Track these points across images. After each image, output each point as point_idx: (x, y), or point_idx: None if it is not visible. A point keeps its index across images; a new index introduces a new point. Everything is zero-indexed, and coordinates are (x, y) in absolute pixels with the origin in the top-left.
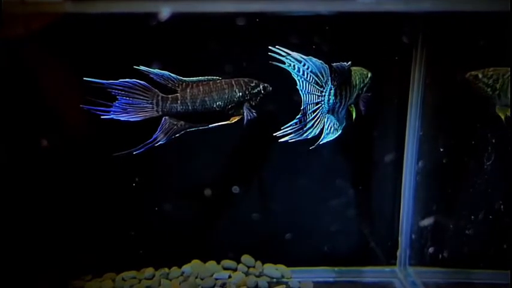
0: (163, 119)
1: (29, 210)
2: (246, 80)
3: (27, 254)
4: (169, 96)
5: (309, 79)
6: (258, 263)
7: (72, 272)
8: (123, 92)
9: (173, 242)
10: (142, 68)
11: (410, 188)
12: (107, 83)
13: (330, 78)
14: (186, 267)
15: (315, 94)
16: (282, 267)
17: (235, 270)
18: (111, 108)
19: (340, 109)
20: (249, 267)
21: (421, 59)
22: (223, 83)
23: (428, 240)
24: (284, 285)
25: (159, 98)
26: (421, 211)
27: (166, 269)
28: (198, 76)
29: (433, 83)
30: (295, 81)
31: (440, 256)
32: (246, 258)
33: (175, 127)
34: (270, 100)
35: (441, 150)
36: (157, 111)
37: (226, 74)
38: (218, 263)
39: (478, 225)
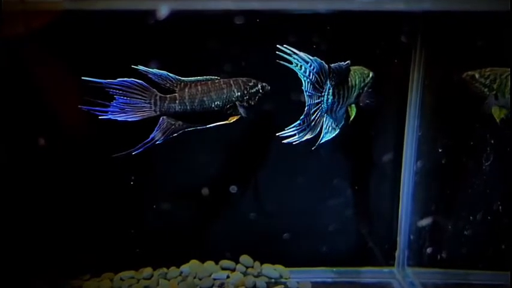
0: (161, 118)
1: (27, 210)
2: (244, 79)
3: (26, 254)
4: (168, 96)
5: (313, 79)
6: (257, 263)
7: (70, 272)
8: (121, 92)
9: (171, 242)
10: (140, 67)
11: (409, 189)
12: (105, 82)
13: (328, 78)
14: (185, 267)
15: (317, 94)
16: (280, 268)
17: (233, 270)
18: (109, 108)
19: (339, 108)
20: (247, 267)
21: (420, 59)
22: (221, 82)
23: (426, 240)
24: (282, 286)
25: (157, 97)
26: (420, 211)
27: (164, 269)
28: (197, 75)
29: (432, 83)
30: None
31: (438, 257)
32: (245, 258)
33: (173, 127)
34: (268, 99)
35: (440, 150)
36: (155, 111)
37: (225, 73)
38: (216, 263)
39: (477, 226)
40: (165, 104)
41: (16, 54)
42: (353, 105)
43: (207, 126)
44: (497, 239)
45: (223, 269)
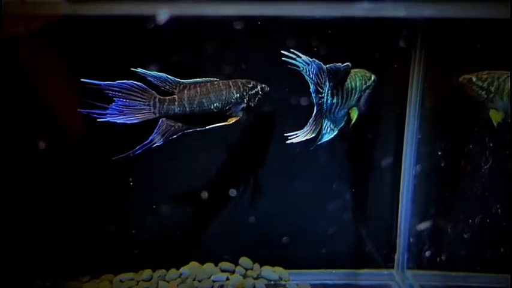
0: (160, 120)
1: (27, 212)
2: (243, 81)
3: (25, 255)
4: (167, 98)
5: (315, 81)
6: (256, 265)
7: (69, 273)
8: (120, 94)
9: (171, 244)
10: (139, 70)
11: (408, 191)
12: (104, 84)
13: (327, 79)
14: (184, 269)
15: (318, 96)
16: (279, 270)
17: (233, 272)
18: (108, 111)
19: (338, 110)
20: (246, 269)
21: (420, 62)
22: (220, 84)
23: (426, 243)
24: None
25: (156, 99)
26: (419, 214)
27: (164, 271)
28: (198, 78)
29: (432, 86)
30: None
31: (438, 259)
32: (244, 260)
33: (172, 129)
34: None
35: (439, 153)
36: (154, 113)
37: (226, 76)
38: (216, 265)
39: (476, 228)
40: (164, 106)
41: (16, 56)
42: (355, 108)
43: (206, 127)
44: (497, 241)
45: (223, 271)
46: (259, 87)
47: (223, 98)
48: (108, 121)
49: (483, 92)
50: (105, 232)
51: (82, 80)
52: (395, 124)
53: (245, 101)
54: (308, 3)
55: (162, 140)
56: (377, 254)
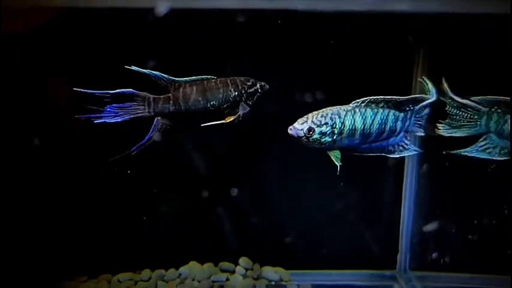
0: (155, 119)
1: (25, 211)
2: (242, 79)
3: (23, 255)
4: (162, 96)
5: None
6: (256, 265)
7: (67, 273)
8: (114, 100)
9: (170, 244)
10: (134, 68)
11: (411, 192)
12: (99, 93)
13: None
14: (183, 269)
15: None
16: (280, 270)
17: (233, 272)
18: (103, 113)
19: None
20: (247, 269)
21: (424, 60)
22: (218, 82)
23: (428, 244)
24: None
25: (151, 99)
26: (422, 215)
27: (163, 271)
28: (198, 74)
29: (436, 84)
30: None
31: (441, 261)
32: (244, 260)
33: (168, 127)
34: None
35: (443, 153)
36: (149, 112)
37: (226, 73)
38: (216, 265)
39: (479, 229)
40: (159, 105)
41: (16, 51)
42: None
43: (202, 125)
44: (500, 243)
45: (223, 271)
46: (258, 85)
47: (221, 96)
48: (104, 122)
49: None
50: (103, 232)
51: (76, 89)
52: None
53: (243, 100)
54: None
55: (158, 138)
56: (379, 255)
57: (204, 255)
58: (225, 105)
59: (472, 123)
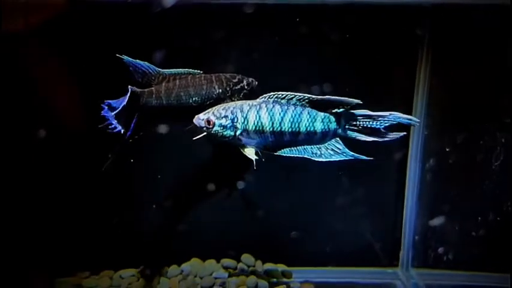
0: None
1: (26, 208)
2: (228, 75)
3: (25, 251)
4: (145, 90)
5: None
6: (258, 262)
7: (69, 269)
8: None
9: (173, 240)
10: (125, 57)
11: (414, 188)
12: (115, 113)
13: None
14: (185, 266)
15: None
16: (282, 267)
17: (235, 269)
18: (111, 120)
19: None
20: (249, 266)
21: (427, 57)
22: (202, 78)
23: (431, 241)
24: (285, 286)
25: (138, 93)
26: (425, 212)
27: (165, 267)
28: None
29: (439, 81)
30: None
31: (443, 258)
32: (246, 257)
33: (150, 123)
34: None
35: (446, 150)
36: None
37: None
38: (218, 261)
39: (483, 227)
40: (143, 99)
41: (16, 48)
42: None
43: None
44: (503, 240)
45: (225, 267)
46: (245, 81)
47: (204, 92)
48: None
49: None
50: (105, 228)
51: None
52: None
53: (228, 96)
54: None
55: (140, 134)
56: (382, 252)
57: (206, 251)
58: (208, 102)
59: None
